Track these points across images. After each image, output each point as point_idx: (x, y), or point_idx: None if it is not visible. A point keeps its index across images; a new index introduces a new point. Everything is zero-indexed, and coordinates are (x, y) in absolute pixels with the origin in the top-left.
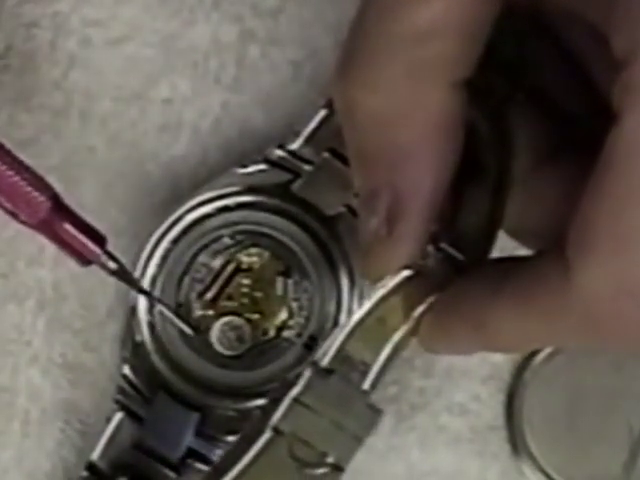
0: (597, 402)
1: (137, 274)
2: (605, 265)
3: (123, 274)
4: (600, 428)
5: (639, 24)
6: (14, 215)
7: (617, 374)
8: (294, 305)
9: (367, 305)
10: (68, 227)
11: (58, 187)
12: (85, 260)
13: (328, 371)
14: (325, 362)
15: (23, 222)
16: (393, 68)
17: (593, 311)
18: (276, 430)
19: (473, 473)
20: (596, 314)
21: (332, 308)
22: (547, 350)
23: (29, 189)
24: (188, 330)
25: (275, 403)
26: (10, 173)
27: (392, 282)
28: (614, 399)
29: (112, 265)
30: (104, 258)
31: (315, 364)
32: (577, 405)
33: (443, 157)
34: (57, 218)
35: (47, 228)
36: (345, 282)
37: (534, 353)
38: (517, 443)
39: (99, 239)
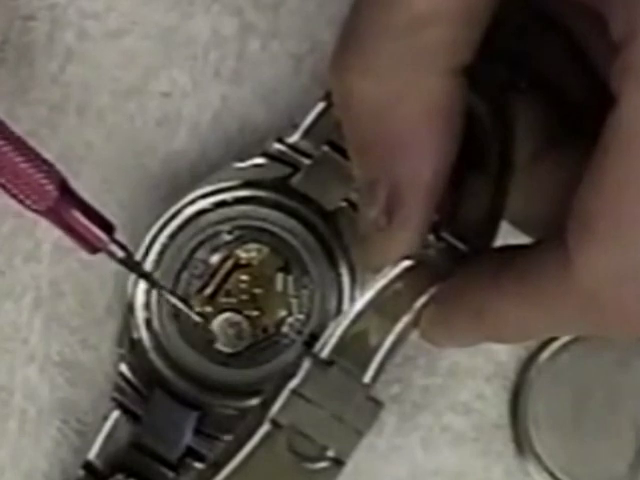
0: (603, 401)
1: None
2: (605, 250)
3: (131, 263)
4: (606, 427)
5: (636, 6)
6: (21, 201)
7: (623, 372)
8: (294, 302)
9: (367, 295)
10: (76, 214)
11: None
12: (92, 248)
13: (328, 363)
14: (325, 353)
15: (30, 208)
16: (390, 54)
17: (594, 297)
18: (274, 423)
19: (477, 473)
20: (597, 300)
21: (333, 305)
22: (552, 348)
23: (37, 175)
24: (197, 319)
25: (274, 395)
26: (18, 158)
27: (393, 272)
28: (620, 398)
29: (120, 253)
30: (112, 246)
31: (314, 355)
32: (583, 404)
33: (442, 145)
34: (65, 205)
35: (55, 215)
36: (346, 278)
37: (539, 351)
38: (522, 442)
39: (107, 227)
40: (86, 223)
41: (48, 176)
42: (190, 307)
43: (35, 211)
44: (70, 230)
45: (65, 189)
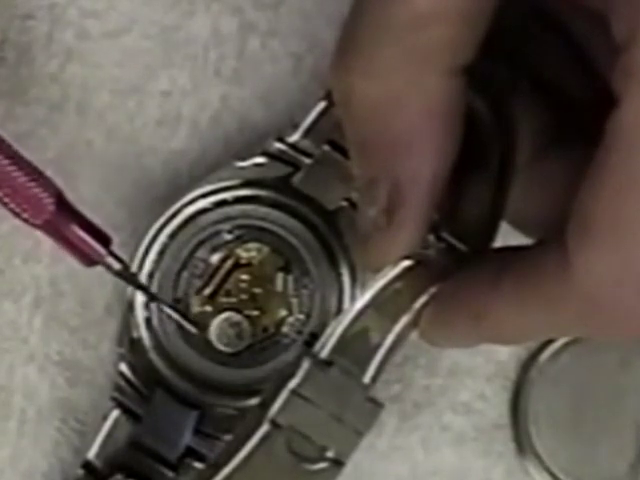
0: (604, 400)
1: (134, 269)
2: (606, 252)
3: (127, 275)
4: (607, 427)
5: (638, 8)
6: (18, 215)
7: (624, 372)
8: (294, 301)
9: (367, 295)
10: (73, 227)
11: (55, 181)
12: (89, 260)
13: (327, 363)
14: (324, 354)
15: (27, 222)
16: (391, 54)
17: (594, 299)
18: (274, 423)
19: (478, 473)
20: (597, 302)
21: (333, 304)
22: (553, 348)
23: (34, 189)
24: (192, 329)
25: (273, 395)
26: (15, 173)
27: (392, 272)
28: (621, 397)
29: (116, 265)
30: (108, 258)
31: (314, 355)
32: (583, 404)
33: (442, 144)
34: (61, 218)
35: (51, 228)
36: (346, 278)
37: (540, 351)
38: (522, 442)
39: (104, 239)
40: (83, 236)
41: (45, 190)
42: (186, 318)
43: (32, 225)
44: (67, 243)
45: (61, 202)
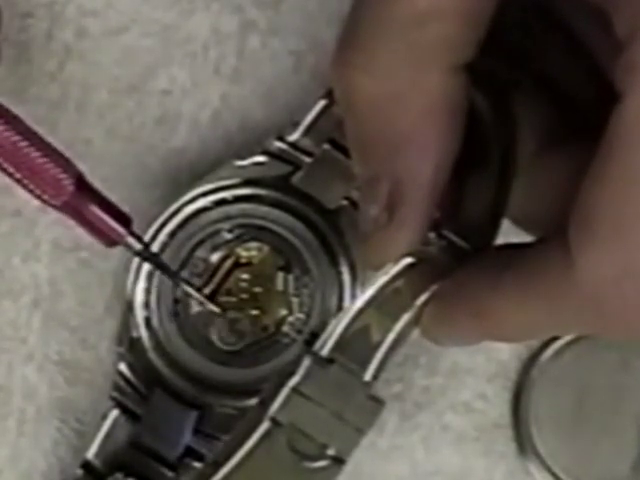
0: (605, 400)
1: (135, 268)
2: (608, 249)
3: (148, 255)
4: (608, 426)
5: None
6: (38, 196)
7: (625, 372)
8: (294, 301)
9: (368, 293)
10: (93, 208)
11: None
12: (110, 241)
13: (328, 360)
14: (325, 351)
15: (47, 203)
16: (392, 51)
17: (595, 296)
18: (274, 421)
19: (479, 473)
20: (599, 299)
21: (334, 304)
22: (554, 348)
23: (54, 170)
24: (214, 308)
25: (273, 393)
26: (34, 154)
27: (393, 270)
28: (622, 397)
29: (137, 246)
30: (129, 239)
31: (314, 353)
32: (585, 403)
33: (443, 142)
34: (81, 199)
35: (72, 209)
36: (347, 277)
37: (541, 351)
38: (523, 442)
39: (124, 219)
40: (103, 217)
41: (64, 170)
42: (209, 298)
43: (52, 206)
44: (88, 224)
45: (82, 183)
